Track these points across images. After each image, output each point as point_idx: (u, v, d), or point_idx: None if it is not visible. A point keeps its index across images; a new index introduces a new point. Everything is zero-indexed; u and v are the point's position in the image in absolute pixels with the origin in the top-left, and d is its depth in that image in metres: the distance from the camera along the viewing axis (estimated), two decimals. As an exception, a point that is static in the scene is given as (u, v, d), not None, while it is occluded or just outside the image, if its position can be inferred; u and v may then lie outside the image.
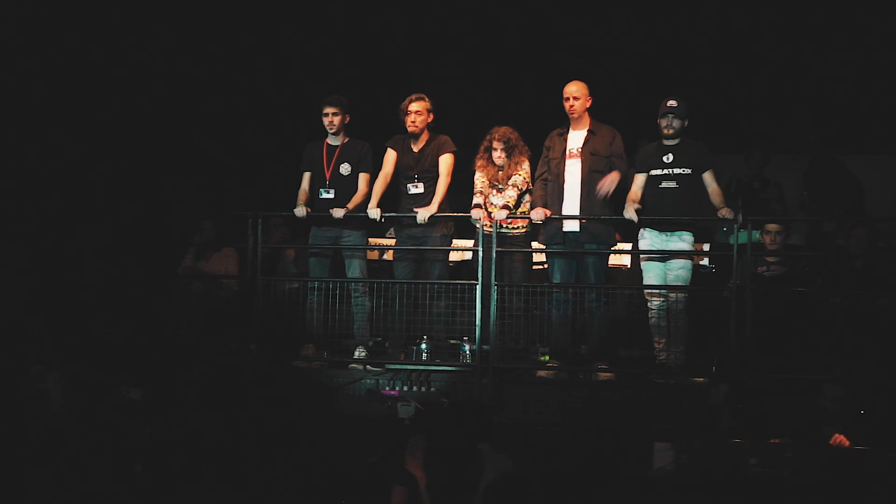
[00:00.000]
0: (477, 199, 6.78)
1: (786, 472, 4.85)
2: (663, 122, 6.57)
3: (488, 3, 8.68)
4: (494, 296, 6.47)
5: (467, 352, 6.68)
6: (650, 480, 4.94)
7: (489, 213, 6.70)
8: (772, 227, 6.80)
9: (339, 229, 6.90)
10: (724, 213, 6.38)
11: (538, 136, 6.86)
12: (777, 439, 5.07)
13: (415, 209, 6.80)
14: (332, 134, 6.97)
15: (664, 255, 6.54)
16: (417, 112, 6.81)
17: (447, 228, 7.00)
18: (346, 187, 6.91)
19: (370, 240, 7.28)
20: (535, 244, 7.06)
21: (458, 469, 4.38)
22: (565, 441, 5.83)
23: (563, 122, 6.74)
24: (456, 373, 6.61)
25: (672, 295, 6.48)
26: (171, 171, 8.12)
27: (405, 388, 6.38)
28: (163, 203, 7.78)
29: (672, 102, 6.55)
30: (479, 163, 6.90)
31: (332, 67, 8.85)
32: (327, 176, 6.95)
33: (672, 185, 6.53)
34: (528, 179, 6.81)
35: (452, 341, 6.79)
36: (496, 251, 6.54)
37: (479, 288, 6.54)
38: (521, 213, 6.82)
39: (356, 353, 6.83)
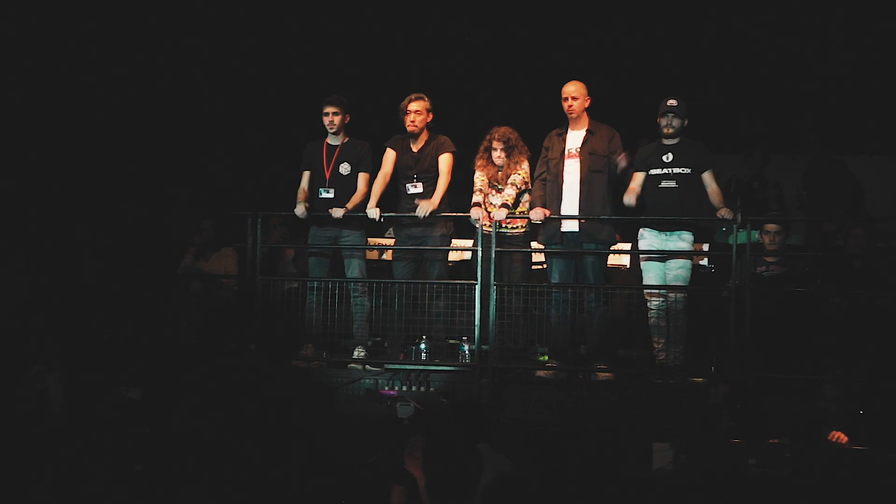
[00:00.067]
0: (476, 198, 6.77)
1: (785, 472, 4.86)
2: (663, 122, 6.57)
3: (488, 3, 8.67)
4: (493, 296, 6.47)
5: (466, 352, 6.67)
6: (650, 480, 4.95)
7: (488, 213, 6.70)
8: (771, 227, 6.79)
9: (338, 229, 6.91)
10: (724, 213, 6.38)
11: (538, 136, 6.85)
12: (776, 439, 5.08)
13: (417, 201, 6.79)
14: (332, 133, 6.97)
15: (663, 255, 6.54)
16: (417, 112, 6.81)
17: (446, 228, 7.00)
18: (345, 187, 6.90)
19: (369, 240, 7.28)
20: (534, 244, 7.05)
21: (457, 469, 4.39)
22: (564, 441, 5.82)
23: (563, 122, 6.74)
24: (455, 373, 6.61)
25: (671, 295, 6.47)
26: (171, 171, 8.13)
27: (404, 388, 6.38)
28: (162, 203, 7.78)
29: (672, 101, 6.54)
30: (478, 163, 6.90)
31: (332, 67, 8.85)
32: (327, 175, 6.95)
33: (671, 184, 6.52)
34: (527, 179, 6.80)
35: (451, 341, 6.79)
36: (495, 251, 6.53)
37: (478, 288, 6.53)
38: (520, 213, 6.81)
39: (355, 353, 6.83)
